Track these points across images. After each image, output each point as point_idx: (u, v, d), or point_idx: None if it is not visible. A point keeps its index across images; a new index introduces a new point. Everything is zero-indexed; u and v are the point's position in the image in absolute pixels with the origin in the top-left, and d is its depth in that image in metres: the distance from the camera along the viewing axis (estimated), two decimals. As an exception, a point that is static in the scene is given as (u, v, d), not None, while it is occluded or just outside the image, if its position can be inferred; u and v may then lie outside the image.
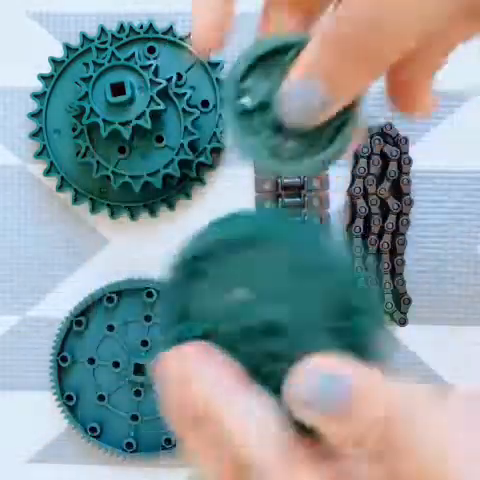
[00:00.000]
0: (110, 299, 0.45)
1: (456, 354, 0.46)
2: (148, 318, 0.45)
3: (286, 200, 0.46)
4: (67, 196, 0.47)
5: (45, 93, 0.46)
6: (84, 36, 0.46)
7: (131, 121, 0.42)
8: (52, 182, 0.47)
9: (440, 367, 0.46)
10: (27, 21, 0.48)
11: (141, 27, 0.46)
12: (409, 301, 0.46)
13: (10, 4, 0.48)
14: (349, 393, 0.18)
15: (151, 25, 0.46)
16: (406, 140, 0.46)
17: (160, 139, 0.45)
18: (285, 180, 0.46)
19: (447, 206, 0.46)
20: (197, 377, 0.19)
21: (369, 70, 0.22)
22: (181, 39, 0.46)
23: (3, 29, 0.48)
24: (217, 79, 0.46)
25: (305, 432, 0.19)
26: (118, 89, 0.42)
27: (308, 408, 0.18)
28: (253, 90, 0.25)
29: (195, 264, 0.21)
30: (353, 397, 0.18)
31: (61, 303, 0.47)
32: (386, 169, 0.46)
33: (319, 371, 0.19)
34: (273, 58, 0.25)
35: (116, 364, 0.45)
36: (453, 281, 0.46)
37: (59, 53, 0.47)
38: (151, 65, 0.43)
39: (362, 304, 0.20)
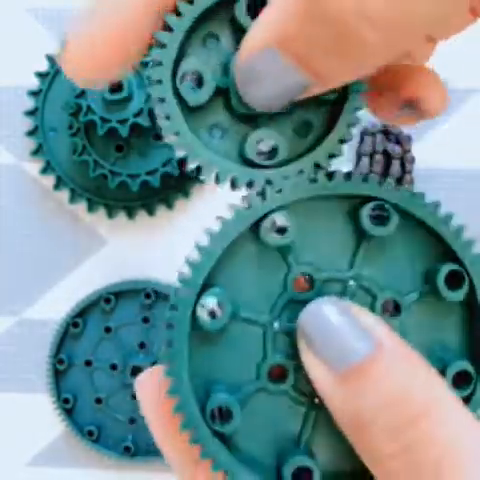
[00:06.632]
0: (107, 300, 0.44)
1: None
2: (146, 320, 0.44)
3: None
4: (63, 195, 0.46)
5: (41, 91, 0.45)
6: (81, 33, 0.46)
7: (129, 119, 0.41)
8: (48, 181, 0.46)
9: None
10: (23, 17, 0.47)
11: (139, 23, 0.45)
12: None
13: (6, 0, 0.47)
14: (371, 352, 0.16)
15: (149, 21, 0.45)
16: (409, 138, 0.45)
17: (158, 137, 0.44)
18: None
19: (452, 205, 0.46)
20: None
21: (360, 67, 0.16)
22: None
23: (-1, 26, 0.47)
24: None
25: None
26: (116, 86, 0.41)
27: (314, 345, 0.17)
28: (195, 70, 0.18)
29: None
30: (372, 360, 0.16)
31: (57, 304, 0.46)
32: (389, 168, 0.45)
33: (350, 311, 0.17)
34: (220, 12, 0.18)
35: (113, 367, 0.44)
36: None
37: (56, 50, 0.46)
38: (149, 62, 0.42)
39: None
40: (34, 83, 0.46)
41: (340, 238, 0.19)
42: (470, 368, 0.19)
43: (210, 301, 0.18)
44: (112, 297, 0.44)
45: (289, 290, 0.18)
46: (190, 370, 0.18)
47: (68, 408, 0.44)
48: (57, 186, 0.46)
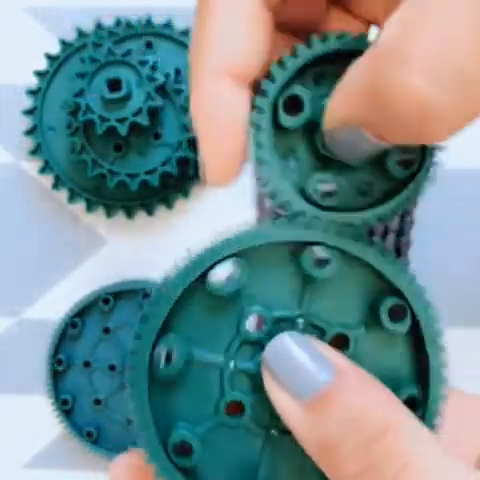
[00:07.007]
0: (106, 301, 0.44)
1: (460, 356, 0.45)
2: (145, 320, 0.44)
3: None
4: (63, 195, 0.46)
5: (40, 89, 0.45)
6: (80, 31, 0.45)
7: (128, 118, 0.41)
8: (47, 180, 0.46)
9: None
10: (21, 16, 0.47)
11: (138, 22, 0.45)
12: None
13: (5, -1, 0.47)
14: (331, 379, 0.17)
15: (149, 20, 0.45)
16: (411, 137, 0.45)
17: (158, 136, 0.44)
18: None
19: (453, 205, 0.45)
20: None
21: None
22: (180, 34, 0.45)
23: (-2, 24, 0.47)
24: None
25: None
26: (115, 85, 0.41)
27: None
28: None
29: None
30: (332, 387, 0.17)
31: (57, 304, 0.46)
32: (390, 167, 0.45)
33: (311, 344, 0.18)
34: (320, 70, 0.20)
35: (112, 367, 0.44)
36: (460, 282, 0.45)
37: (55, 49, 0.46)
38: (149, 61, 0.42)
39: None
40: (33, 82, 0.46)
41: (287, 280, 0.20)
42: (418, 394, 0.19)
43: (163, 348, 0.18)
44: (111, 297, 0.44)
45: (242, 332, 0.19)
46: (152, 410, 0.19)
47: (67, 409, 0.44)
48: (56, 185, 0.45)
